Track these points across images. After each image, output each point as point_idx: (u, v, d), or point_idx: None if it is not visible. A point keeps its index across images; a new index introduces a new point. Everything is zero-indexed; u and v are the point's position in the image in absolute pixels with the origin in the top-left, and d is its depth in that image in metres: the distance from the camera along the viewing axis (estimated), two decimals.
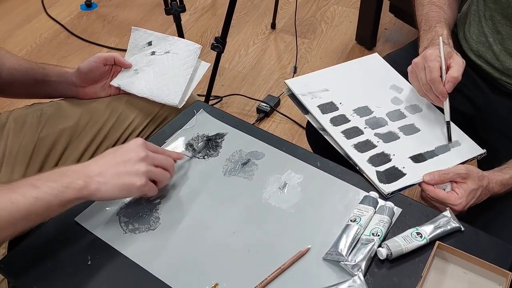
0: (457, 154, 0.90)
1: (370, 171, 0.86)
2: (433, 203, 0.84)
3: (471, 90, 1.06)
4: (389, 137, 0.93)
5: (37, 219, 0.71)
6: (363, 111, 0.98)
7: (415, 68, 0.93)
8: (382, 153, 0.90)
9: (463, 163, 0.89)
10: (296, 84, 1.01)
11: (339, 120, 0.95)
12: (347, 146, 0.91)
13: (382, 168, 0.87)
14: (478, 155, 0.91)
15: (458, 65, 0.90)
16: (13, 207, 0.67)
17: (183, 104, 1.02)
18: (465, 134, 0.94)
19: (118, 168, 0.75)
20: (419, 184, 0.85)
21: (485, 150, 0.91)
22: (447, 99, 0.92)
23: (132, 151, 0.77)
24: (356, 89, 1.02)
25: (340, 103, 0.98)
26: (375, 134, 0.93)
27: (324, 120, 0.95)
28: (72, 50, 2.24)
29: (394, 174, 0.86)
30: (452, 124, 0.94)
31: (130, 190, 0.76)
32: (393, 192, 0.83)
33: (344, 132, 0.93)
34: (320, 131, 0.95)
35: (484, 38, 1.00)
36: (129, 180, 0.75)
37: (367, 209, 0.80)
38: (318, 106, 0.97)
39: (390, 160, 0.89)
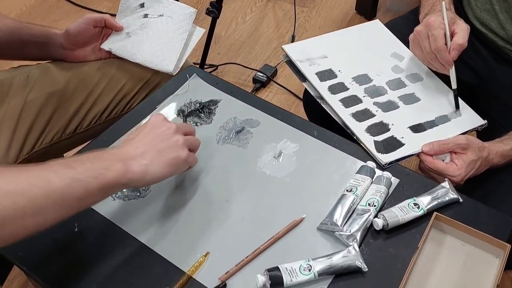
0: (458, 125, 0.88)
1: (368, 141, 0.84)
2: (431, 174, 0.82)
3: (473, 59, 1.04)
4: (388, 106, 0.90)
5: (75, 204, 0.60)
6: (362, 79, 0.94)
7: (417, 36, 0.90)
8: (381, 122, 0.87)
9: (463, 134, 0.86)
10: (294, 50, 0.98)
11: (338, 88, 0.92)
12: (345, 115, 0.88)
13: (380, 138, 0.85)
14: (478, 126, 0.89)
15: (463, 31, 0.87)
16: (46, 185, 0.57)
17: (177, 71, 0.99)
18: (466, 105, 0.92)
19: (157, 145, 0.68)
20: (418, 154, 0.83)
21: (486, 121, 0.89)
22: (453, 67, 0.89)
23: (161, 126, 0.71)
24: (356, 56, 0.99)
25: (339, 71, 0.95)
26: (374, 103, 0.90)
27: (322, 87, 0.92)
28: (63, 14, 2.17)
29: (392, 144, 0.84)
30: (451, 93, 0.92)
31: (178, 164, 0.70)
32: (390, 162, 0.81)
33: (342, 100, 0.90)
34: (318, 100, 0.92)
35: (490, 6, 0.97)
36: (175, 154, 0.69)
37: (364, 179, 0.77)
38: (316, 74, 0.94)
39: (388, 129, 0.86)
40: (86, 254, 0.71)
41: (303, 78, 0.95)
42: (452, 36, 0.87)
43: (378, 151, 0.83)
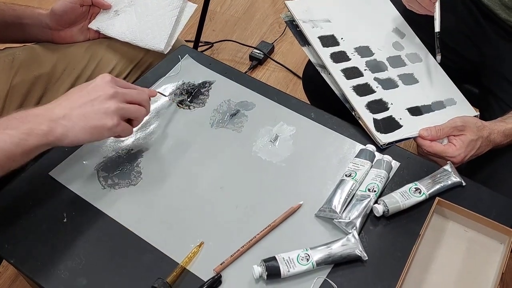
0: (452, 112, 0.85)
1: (367, 118, 0.81)
2: (431, 157, 0.80)
3: (476, 35, 1.01)
4: (388, 83, 0.87)
5: None
6: (364, 51, 0.91)
7: None
8: (381, 100, 0.84)
9: None
10: (298, 8, 0.92)
11: (340, 57, 0.88)
12: (346, 87, 0.84)
13: (379, 116, 0.82)
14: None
15: None
16: None
17: (169, 49, 0.95)
18: (460, 93, 0.89)
19: (85, 108, 0.67)
20: (414, 139, 0.80)
21: (478, 113, 0.87)
22: (438, 4, 0.85)
23: (99, 89, 0.69)
24: (359, 25, 0.95)
25: (342, 38, 0.91)
26: (375, 79, 0.87)
27: (325, 54, 0.87)
28: None
29: (391, 124, 0.81)
30: (450, 82, 0.90)
31: (101, 132, 0.68)
32: (389, 143, 0.78)
33: (344, 71, 0.86)
34: (318, 67, 0.88)
35: None
36: (99, 121, 0.67)
37: (363, 163, 0.75)
38: (319, 38, 0.90)
39: (387, 108, 0.83)
40: (76, 245, 0.68)
41: (303, 41, 0.90)
42: None
43: (377, 130, 0.80)
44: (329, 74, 0.86)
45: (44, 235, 0.69)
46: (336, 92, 0.85)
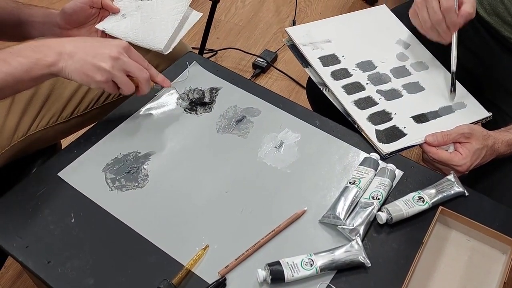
0: (461, 116, 0.86)
1: (369, 130, 0.82)
2: (436, 165, 0.81)
3: (480, 49, 1.02)
4: (392, 94, 0.88)
5: (10, 92, 0.73)
6: (366, 65, 0.92)
7: (423, 1, 0.85)
8: (383, 111, 0.85)
9: None
10: (298, 33, 0.95)
11: (340, 74, 0.90)
12: (346, 102, 0.86)
13: (382, 127, 0.83)
14: (483, 118, 0.87)
15: (470, 2, 0.84)
16: None
17: (169, 51, 0.97)
18: (471, 95, 0.90)
19: (87, 56, 0.73)
20: (420, 145, 0.81)
21: (491, 114, 0.87)
22: (455, 36, 0.86)
23: (108, 47, 0.75)
24: (360, 42, 0.96)
25: (343, 56, 0.92)
26: (377, 91, 0.88)
27: (325, 73, 0.89)
28: None
29: (394, 133, 0.82)
30: (458, 84, 0.90)
31: (89, 82, 0.75)
32: (392, 153, 0.79)
33: (344, 87, 0.88)
34: (320, 86, 0.89)
35: None
36: (91, 72, 0.73)
37: (367, 171, 0.76)
38: (319, 58, 0.92)
39: (391, 119, 0.84)
40: (82, 245, 0.69)
41: (305, 63, 0.93)
42: (460, 6, 0.84)
43: (380, 140, 0.81)
44: (330, 91, 0.88)
45: (52, 235, 0.70)
46: (339, 107, 0.87)
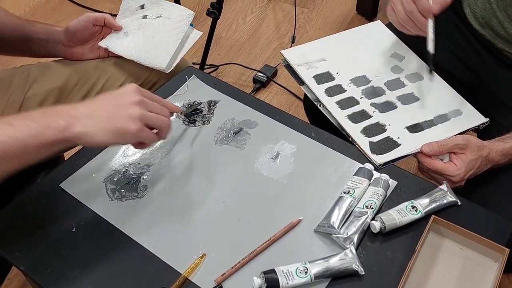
0: (457, 124, 0.87)
1: (363, 142, 0.84)
2: (431, 174, 0.82)
3: (474, 61, 1.04)
4: (386, 106, 0.90)
5: (14, 161, 0.62)
6: (360, 80, 0.94)
7: None
8: (377, 123, 0.87)
9: (463, 133, 0.86)
10: (293, 55, 0.98)
11: (335, 90, 0.92)
12: (340, 116, 0.88)
13: (375, 138, 0.84)
14: (480, 124, 0.88)
15: None
16: None
17: (170, 69, 0.99)
18: (467, 102, 0.91)
19: (110, 111, 0.67)
20: (415, 155, 0.83)
21: (487, 119, 0.88)
22: (431, 22, 0.85)
23: (125, 96, 0.69)
24: (354, 58, 0.99)
25: (337, 73, 0.95)
26: (371, 104, 0.90)
27: (319, 90, 0.92)
28: (66, 15, 2.17)
29: (387, 144, 0.83)
30: (455, 93, 0.91)
31: (124, 135, 0.67)
32: (385, 163, 0.81)
33: (338, 102, 0.90)
34: (315, 102, 0.92)
35: (489, 5, 0.97)
36: (123, 124, 0.67)
37: (361, 181, 0.77)
38: (314, 77, 0.94)
39: (384, 130, 0.86)
40: (83, 254, 0.71)
41: (301, 81, 0.95)
42: None
43: (373, 152, 0.82)
44: (324, 107, 0.90)
45: (54, 244, 0.71)
46: (333, 121, 0.89)
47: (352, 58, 0.99)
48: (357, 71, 0.96)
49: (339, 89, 0.92)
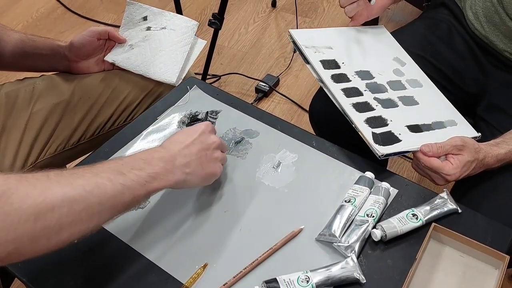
0: (452, 132, 0.87)
1: (366, 131, 0.83)
2: (426, 171, 0.82)
3: (473, 69, 1.05)
4: (388, 103, 0.90)
5: (122, 209, 0.64)
6: (364, 74, 0.95)
7: None
8: (380, 117, 0.87)
9: None
10: (301, 36, 0.97)
11: (340, 78, 0.92)
12: (346, 104, 0.87)
13: (378, 130, 0.84)
14: (472, 138, 0.89)
15: None
16: (100, 192, 0.60)
17: (180, 82, 1.00)
18: (461, 116, 0.92)
19: (203, 157, 0.73)
20: (414, 153, 0.83)
21: (479, 134, 0.89)
22: None
23: (209, 138, 0.75)
24: (359, 53, 0.99)
25: (343, 63, 0.95)
26: (375, 98, 0.90)
27: (325, 75, 0.91)
28: (69, 26, 2.20)
29: (390, 138, 0.83)
30: (451, 105, 0.93)
31: (211, 178, 0.76)
32: (387, 155, 0.81)
33: (344, 90, 0.90)
34: (320, 83, 0.91)
35: (489, 2, 0.98)
36: (212, 170, 0.74)
37: (362, 190, 0.78)
38: (321, 61, 0.93)
39: (387, 124, 0.86)
40: (84, 264, 0.71)
41: (307, 60, 0.94)
42: None
43: (376, 142, 0.82)
44: (330, 91, 0.90)
45: (55, 255, 0.70)
46: (337, 105, 0.88)
47: (357, 53, 0.99)
48: (361, 65, 0.96)
49: (344, 78, 0.92)
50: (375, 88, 0.93)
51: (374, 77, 0.95)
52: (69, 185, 0.58)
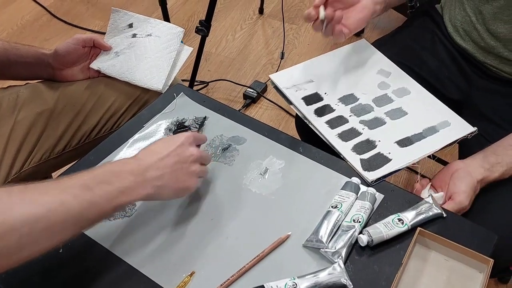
0: (446, 135, 0.88)
1: (354, 159, 0.85)
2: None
3: (457, 76, 1.06)
4: (375, 123, 0.91)
5: (87, 225, 0.63)
6: (348, 99, 0.95)
7: None
8: (367, 140, 0.88)
9: (452, 143, 0.87)
10: (281, 78, 0.99)
11: (324, 111, 0.93)
12: (331, 136, 0.89)
13: (366, 155, 0.85)
14: (468, 134, 0.89)
15: None
16: (64, 210, 0.58)
17: (166, 89, 1.00)
18: (454, 113, 0.92)
19: (177, 171, 0.71)
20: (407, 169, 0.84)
21: (476, 128, 0.89)
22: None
23: (187, 150, 0.73)
24: (342, 77, 1.00)
25: (325, 93, 0.96)
26: (360, 122, 0.91)
27: (308, 111, 0.93)
28: (54, 33, 2.19)
29: (378, 160, 0.85)
30: (442, 105, 0.94)
31: (185, 192, 0.75)
32: (377, 179, 0.82)
33: (328, 122, 0.91)
34: (305, 120, 0.93)
35: (468, 18, 1.00)
36: (186, 184, 0.72)
37: (349, 195, 0.78)
38: (303, 98, 0.95)
39: (375, 146, 0.87)
40: (70, 275, 0.71)
41: (290, 102, 0.96)
42: None
43: (365, 169, 0.83)
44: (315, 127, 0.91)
45: (41, 265, 0.71)
46: (324, 140, 0.90)
47: (339, 77, 1.00)
48: (344, 90, 0.97)
49: (328, 109, 0.94)
50: (360, 110, 0.93)
51: (358, 99, 0.95)
52: (32, 203, 0.57)
